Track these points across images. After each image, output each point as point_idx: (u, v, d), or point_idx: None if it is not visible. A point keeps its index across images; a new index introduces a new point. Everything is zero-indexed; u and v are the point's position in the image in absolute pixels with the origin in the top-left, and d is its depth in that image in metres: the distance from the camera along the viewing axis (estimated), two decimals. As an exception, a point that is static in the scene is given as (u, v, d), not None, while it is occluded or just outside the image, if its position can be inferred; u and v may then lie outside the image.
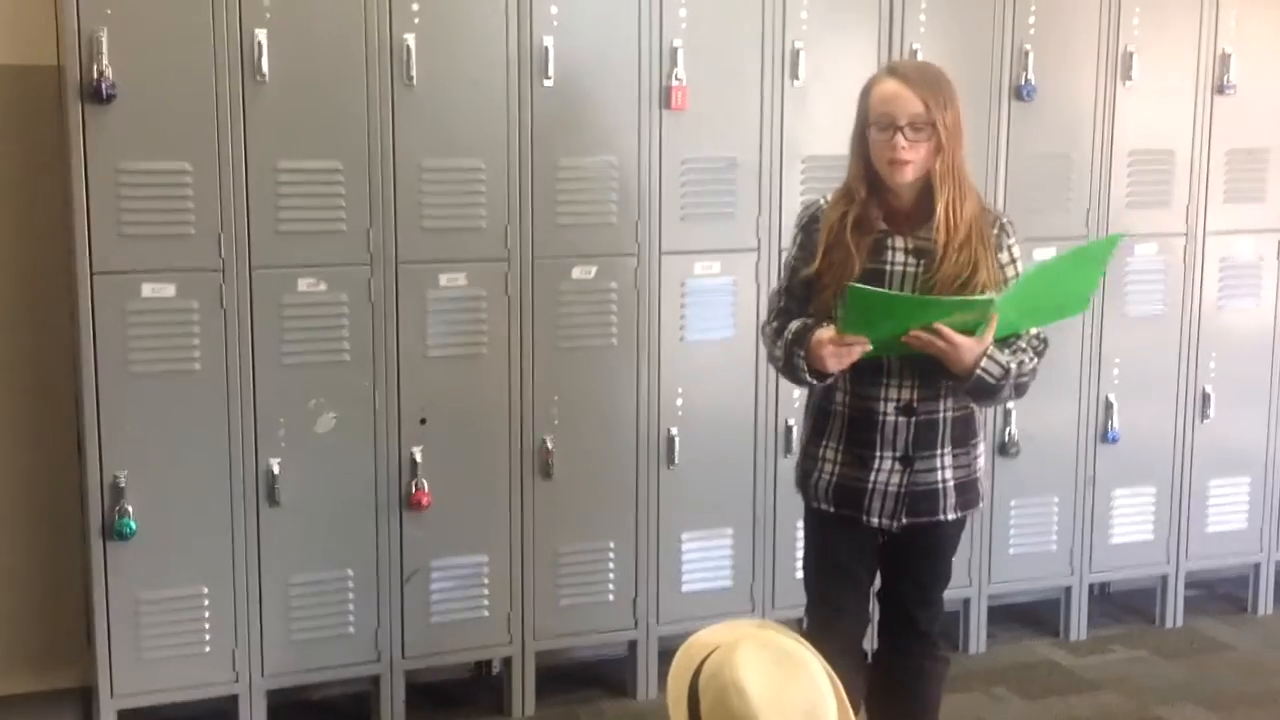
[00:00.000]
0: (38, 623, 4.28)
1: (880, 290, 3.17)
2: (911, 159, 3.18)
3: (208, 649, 3.97)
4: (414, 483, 4.07)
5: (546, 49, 4.04)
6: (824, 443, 3.39)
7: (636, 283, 4.25)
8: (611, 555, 4.35)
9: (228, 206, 3.81)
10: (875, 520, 3.35)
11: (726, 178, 4.31)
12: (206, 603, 3.95)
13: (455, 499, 4.13)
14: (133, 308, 3.77)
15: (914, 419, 3.30)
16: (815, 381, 3.27)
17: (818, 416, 3.42)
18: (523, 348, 4.15)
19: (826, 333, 3.16)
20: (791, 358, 3.26)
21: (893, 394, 3.29)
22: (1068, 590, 4.97)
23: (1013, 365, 3.22)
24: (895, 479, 3.32)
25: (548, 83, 4.06)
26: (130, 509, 3.82)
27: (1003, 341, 3.22)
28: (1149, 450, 4.97)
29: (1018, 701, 4.51)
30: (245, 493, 3.93)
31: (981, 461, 3.44)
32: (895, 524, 3.35)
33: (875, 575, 3.52)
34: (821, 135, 4.37)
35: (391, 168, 3.95)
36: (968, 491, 3.39)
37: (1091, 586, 5.06)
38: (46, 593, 4.28)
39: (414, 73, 3.91)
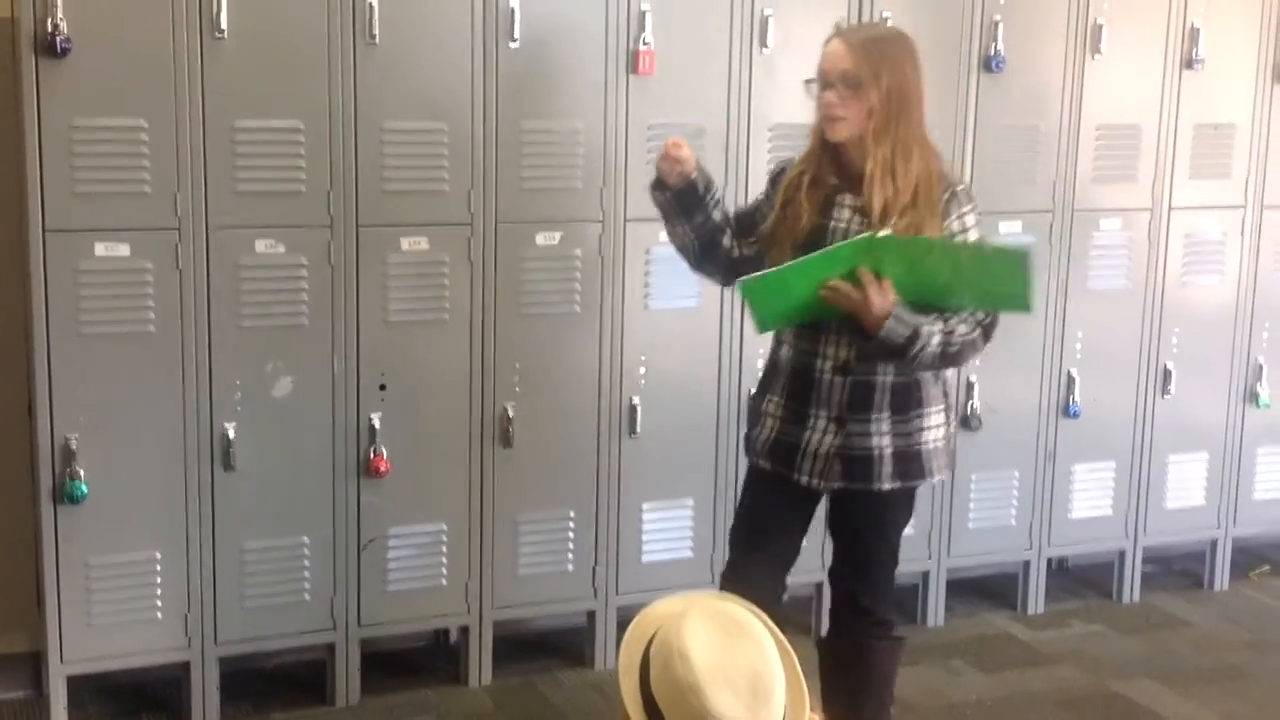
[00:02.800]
0: (-14, 586, 4.22)
1: (759, 273, 3.23)
2: (842, 115, 3.21)
3: (159, 615, 3.91)
4: (372, 449, 4.02)
5: (513, 10, 3.98)
6: (767, 397, 3.44)
7: (600, 249, 4.20)
8: (571, 525, 4.32)
9: (184, 165, 3.74)
10: (805, 479, 3.36)
11: (694, 145, 4.20)
12: (159, 568, 3.89)
13: (414, 466, 4.08)
14: (85, 267, 3.69)
15: (849, 379, 3.28)
16: (659, 194, 3.43)
17: (766, 370, 3.47)
18: (484, 314, 4.10)
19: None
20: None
21: (830, 351, 3.30)
22: (1026, 564, 4.98)
23: (927, 329, 3.17)
24: (828, 439, 3.32)
25: (514, 44, 4.00)
26: (81, 472, 3.75)
27: (939, 313, 3.20)
28: (1109, 425, 4.98)
29: (975, 674, 4.52)
30: (199, 457, 3.87)
31: (933, 434, 3.38)
32: (824, 485, 3.36)
33: (802, 535, 3.52)
34: (789, 103, 4.31)
35: (353, 128, 3.89)
36: (908, 462, 3.34)
37: (1050, 561, 5.07)
38: (-5, 556, 4.21)
39: (377, 32, 3.84)
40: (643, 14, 4.12)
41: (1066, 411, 4.89)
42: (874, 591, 3.48)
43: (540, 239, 4.12)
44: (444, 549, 4.18)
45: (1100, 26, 4.67)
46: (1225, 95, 4.93)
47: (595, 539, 4.35)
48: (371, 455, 4.02)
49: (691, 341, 4.36)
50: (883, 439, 3.31)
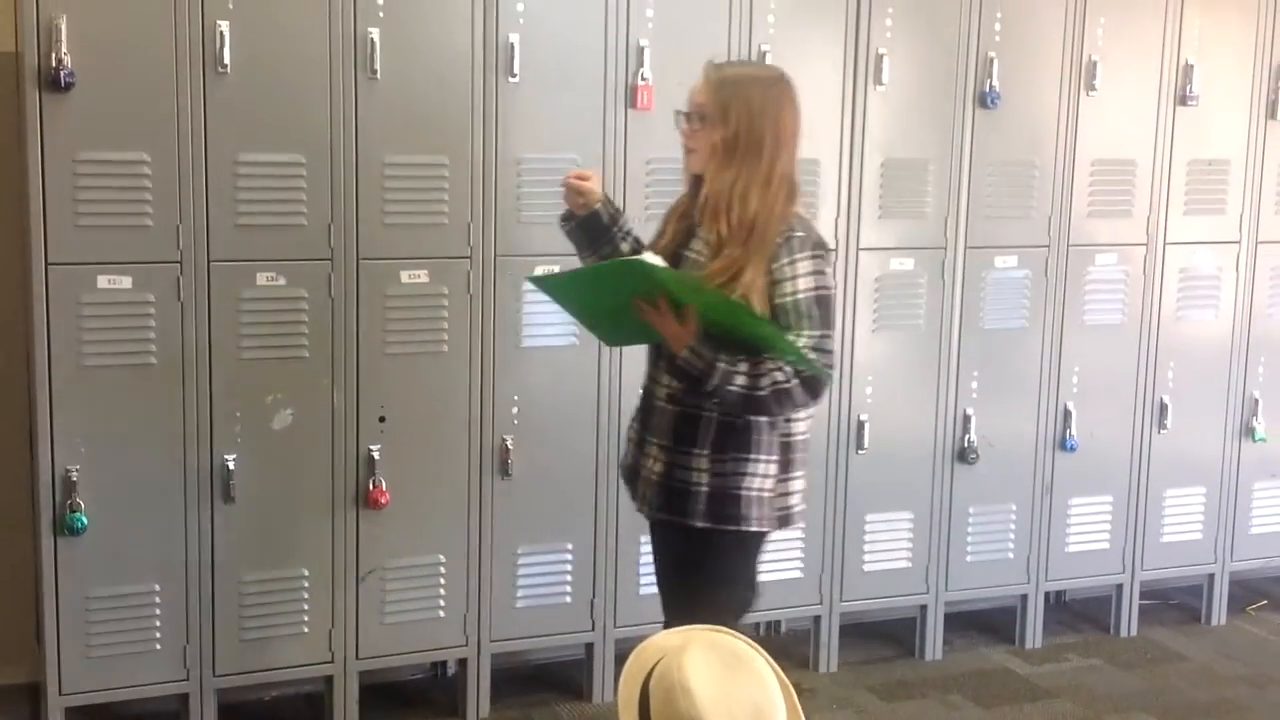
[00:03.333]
0: (-15, 618, 4.22)
1: (553, 274, 3.40)
2: (693, 147, 3.25)
3: (158, 646, 3.91)
4: (371, 481, 4.03)
5: (512, 45, 4.01)
6: (631, 423, 3.48)
7: (599, 283, 4.22)
8: (569, 557, 4.32)
9: (186, 199, 3.76)
10: (639, 507, 3.38)
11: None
12: (158, 600, 3.89)
13: (413, 498, 4.09)
14: (88, 299, 3.72)
15: (678, 409, 3.26)
16: (565, 224, 3.46)
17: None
18: (484, 346, 4.12)
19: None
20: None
21: (664, 379, 3.29)
22: (1024, 598, 4.99)
23: (724, 367, 3.10)
24: (657, 467, 3.30)
25: (513, 79, 4.03)
26: (82, 503, 3.76)
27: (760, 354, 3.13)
28: (1106, 459, 4.99)
29: (973, 709, 4.52)
30: (199, 489, 3.88)
31: (757, 482, 3.25)
32: (652, 514, 3.36)
33: None
34: (787, 138, 4.37)
35: (354, 163, 3.91)
36: (723, 505, 3.23)
37: (1048, 595, 5.07)
38: (-6, 588, 4.22)
39: (378, 67, 3.88)
40: (641, 49, 4.16)
41: (1064, 445, 4.90)
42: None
43: (539, 271, 4.13)
44: (442, 581, 4.18)
45: (1095, 63, 4.71)
46: (1219, 131, 4.97)
47: (593, 571, 4.35)
48: (371, 487, 4.03)
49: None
50: (701, 475, 3.24)
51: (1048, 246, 4.77)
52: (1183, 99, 4.86)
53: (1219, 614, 5.29)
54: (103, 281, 3.72)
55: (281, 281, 3.89)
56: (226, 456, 3.88)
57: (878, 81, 4.45)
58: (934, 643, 4.86)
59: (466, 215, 4.05)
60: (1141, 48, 4.80)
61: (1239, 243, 5.07)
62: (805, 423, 3.34)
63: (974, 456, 4.75)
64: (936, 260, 4.63)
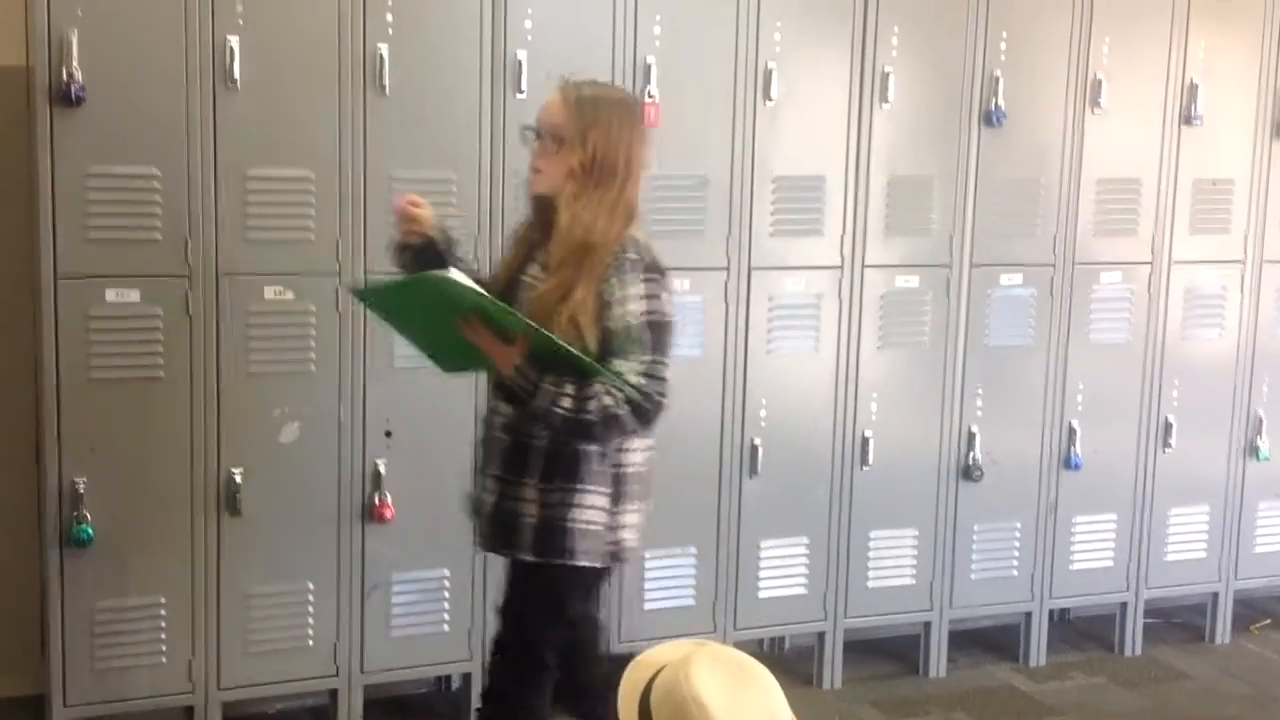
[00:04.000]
0: (-9, 630, 4.23)
1: (373, 285, 3.35)
2: (542, 169, 3.15)
3: (164, 659, 3.92)
4: (377, 495, 4.04)
5: (520, 62, 4.03)
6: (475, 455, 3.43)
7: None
8: (574, 572, 4.32)
9: (195, 213, 3.78)
10: (476, 541, 3.33)
11: (697, 195, 4.31)
12: (163, 612, 3.90)
13: (418, 512, 4.10)
14: (96, 313, 3.73)
15: (511, 438, 3.19)
16: (401, 255, 3.29)
17: None
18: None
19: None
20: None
21: (502, 407, 3.20)
22: (1028, 616, 4.98)
23: (549, 388, 3.02)
24: (491, 499, 3.24)
25: (521, 96, 4.05)
26: (88, 515, 3.77)
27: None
28: (1111, 477, 4.99)
29: (977, 726, 4.53)
30: (206, 501, 3.89)
31: (586, 514, 3.16)
32: (486, 547, 3.32)
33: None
34: (793, 155, 4.39)
35: (362, 178, 3.93)
36: (551, 537, 3.15)
37: (1052, 612, 5.07)
38: (2, 599, 4.22)
39: (387, 82, 3.90)
40: (648, 66, 4.18)
41: (1068, 463, 4.90)
42: (499, 666, 3.34)
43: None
44: (447, 595, 4.19)
45: (1100, 81, 4.73)
46: (1224, 151, 4.98)
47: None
48: (376, 501, 4.04)
49: (695, 389, 4.33)
50: (529, 505, 3.16)
51: (1053, 265, 4.78)
52: (1188, 118, 4.87)
53: (1223, 633, 5.28)
54: (111, 295, 3.74)
55: (289, 295, 3.90)
56: (233, 469, 3.89)
57: (883, 99, 4.47)
58: (938, 660, 4.86)
59: (475, 228, 4.06)
60: (1146, 67, 4.81)
61: (1243, 262, 5.08)
62: (641, 454, 3.25)
63: (978, 474, 4.75)
64: (941, 278, 4.64)
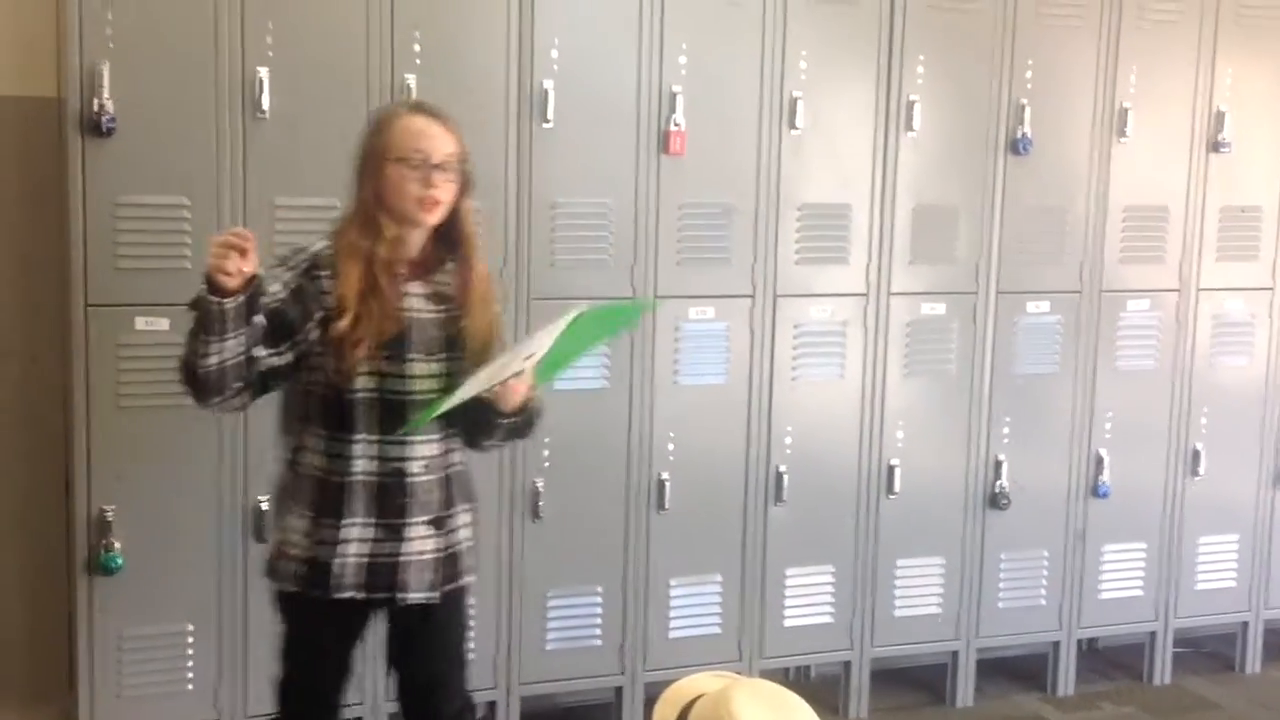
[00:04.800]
0: (21, 657, 4.24)
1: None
2: (445, 200, 3.05)
3: (190, 687, 3.93)
4: (403, 523, 4.04)
5: (547, 91, 4.05)
6: (340, 522, 3.09)
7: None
8: (599, 600, 4.33)
9: (224, 242, 3.80)
10: (400, 600, 3.16)
11: (722, 223, 4.33)
12: (191, 640, 3.92)
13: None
14: (126, 341, 3.76)
15: (443, 474, 3.18)
16: (208, 297, 2.81)
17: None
18: (516, 389, 4.13)
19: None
20: (197, 305, 2.85)
21: (419, 450, 3.11)
22: (1056, 645, 4.96)
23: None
24: (430, 544, 3.15)
25: (547, 125, 4.07)
26: (117, 544, 3.79)
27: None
28: (1139, 505, 4.97)
29: (1005, 756, 4.50)
30: (233, 529, 3.90)
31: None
32: (437, 593, 3.18)
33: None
34: (818, 183, 4.40)
35: (389, 206, 3.95)
36: (468, 558, 3.23)
37: (1080, 642, 5.04)
38: (31, 627, 4.24)
39: (414, 112, 3.92)
40: (674, 95, 4.19)
41: (1096, 491, 4.88)
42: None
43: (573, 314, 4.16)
44: (472, 623, 4.18)
45: (1126, 110, 4.72)
46: (1252, 178, 4.97)
47: (623, 614, 4.35)
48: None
49: (720, 417, 4.39)
50: (469, 530, 3.24)
51: (1079, 292, 4.77)
52: (1215, 146, 4.86)
53: (1253, 662, 5.24)
54: (140, 323, 3.76)
55: (316, 324, 3.92)
56: (259, 498, 3.90)
57: (909, 128, 4.48)
58: (965, 689, 4.83)
59: (500, 258, 4.07)
60: (1173, 95, 4.81)
61: (1272, 289, 5.05)
62: None
63: (1006, 502, 4.73)
64: (968, 305, 4.64)
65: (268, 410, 3.83)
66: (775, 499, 4.46)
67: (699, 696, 2.15)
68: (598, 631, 4.34)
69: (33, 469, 4.18)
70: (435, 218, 3.07)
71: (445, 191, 3.05)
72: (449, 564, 3.17)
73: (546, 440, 4.18)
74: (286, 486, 3.14)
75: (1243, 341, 5.04)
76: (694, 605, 4.44)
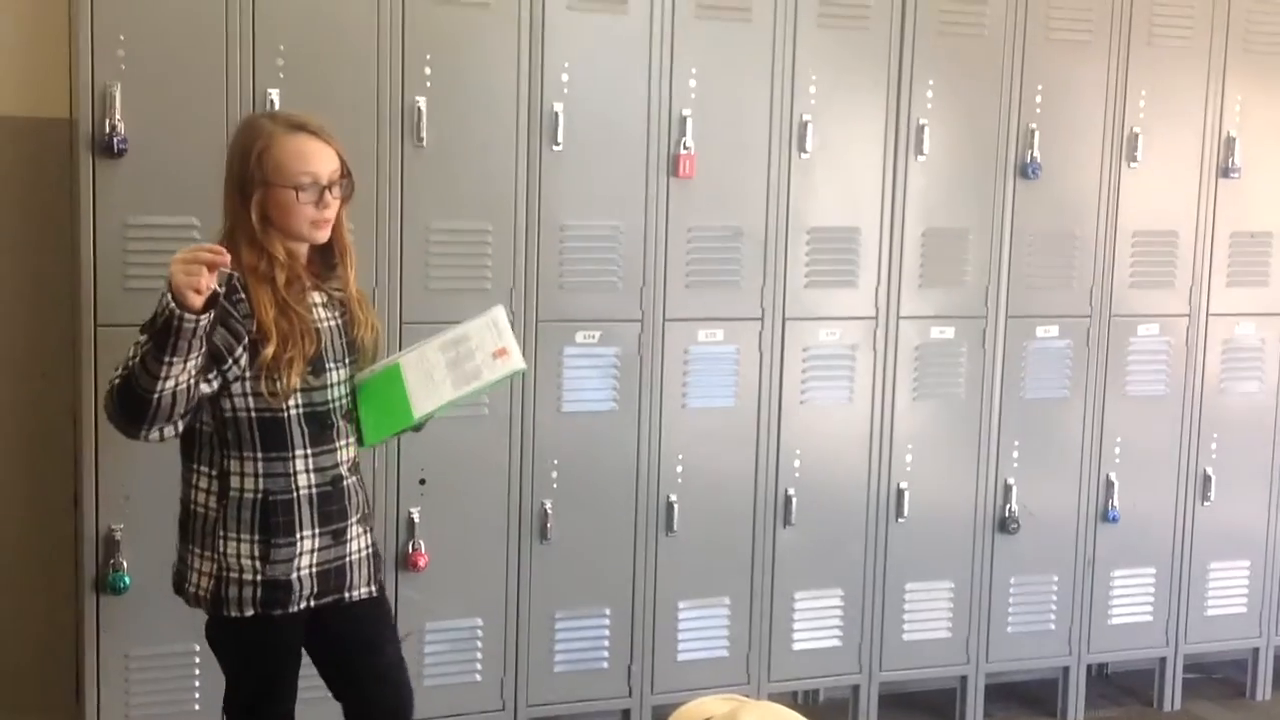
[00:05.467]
0: (29, 675, 4.24)
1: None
2: (330, 216, 3.08)
3: (197, 707, 3.93)
4: (411, 543, 4.05)
5: (557, 114, 4.07)
6: (301, 534, 3.13)
7: (640, 348, 4.25)
8: (607, 622, 4.32)
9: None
10: (347, 598, 3.25)
11: (732, 246, 4.33)
12: (197, 660, 3.91)
13: (452, 561, 4.11)
14: (135, 361, 3.76)
15: (357, 477, 3.29)
16: (182, 314, 2.75)
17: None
18: (524, 410, 4.14)
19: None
20: (154, 319, 2.81)
21: (348, 454, 3.22)
22: (1066, 670, 4.94)
23: None
24: (364, 540, 3.27)
25: (557, 148, 4.08)
26: (124, 563, 3.80)
27: None
28: (1149, 531, 4.95)
29: (1013, 782, 4.48)
30: (241, 549, 3.90)
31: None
32: (369, 590, 3.29)
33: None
34: (827, 206, 4.41)
35: (399, 228, 3.96)
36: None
37: (1090, 667, 5.02)
38: (38, 646, 4.24)
39: (424, 134, 3.94)
40: (684, 118, 4.21)
41: (1106, 516, 4.87)
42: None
43: (580, 337, 4.17)
44: (479, 644, 4.19)
45: (1136, 135, 4.72)
46: (1262, 203, 4.95)
47: (631, 636, 4.35)
48: (410, 550, 4.05)
49: (729, 440, 4.39)
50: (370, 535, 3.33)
51: (1089, 316, 4.76)
52: (1225, 171, 4.86)
53: (1264, 689, 5.21)
54: (150, 344, 3.77)
55: (325, 345, 3.93)
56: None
57: (919, 152, 4.48)
58: (974, 714, 4.81)
59: (509, 280, 4.08)
60: (1183, 120, 4.80)
61: (1283, 315, 5.05)
62: None
63: (1015, 526, 4.72)
64: (977, 329, 4.63)
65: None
66: (784, 522, 4.46)
67: (707, 719, 2.15)
68: (605, 653, 4.33)
69: (41, 488, 4.19)
70: (326, 235, 3.11)
71: (334, 209, 3.08)
72: (375, 559, 3.27)
73: (555, 462, 4.19)
74: (210, 516, 3.08)
75: (1253, 367, 5.03)
76: (702, 628, 4.44)
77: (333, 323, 3.16)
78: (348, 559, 3.17)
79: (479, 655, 4.19)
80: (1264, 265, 4.99)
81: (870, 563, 4.60)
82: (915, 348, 4.57)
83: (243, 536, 3.06)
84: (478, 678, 4.20)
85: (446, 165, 3.99)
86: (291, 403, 3.05)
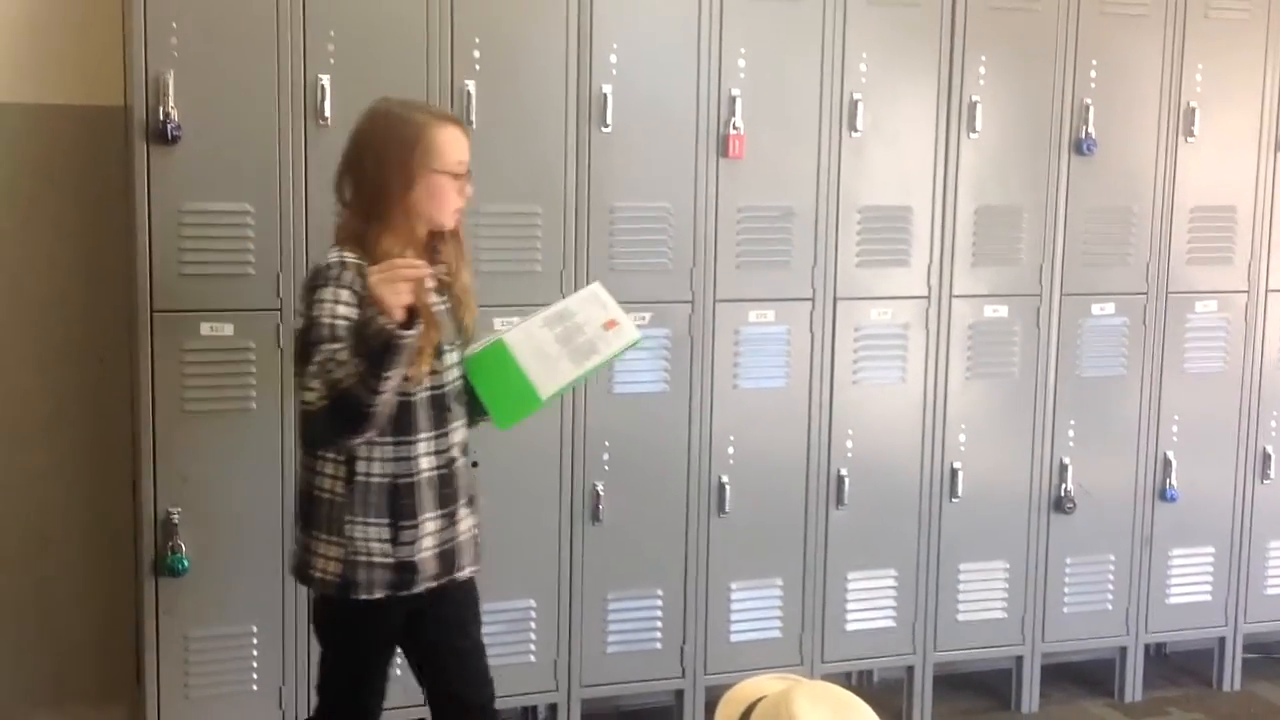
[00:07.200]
0: (90, 657, 4.32)
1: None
2: (462, 204, 3.17)
3: (255, 688, 3.98)
4: (465, 526, 4.07)
5: (605, 96, 4.06)
6: (418, 521, 3.15)
7: (690, 329, 4.25)
8: (659, 603, 4.33)
9: (287, 247, 3.85)
10: (460, 577, 3.30)
11: (782, 226, 4.32)
12: (255, 641, 3.96)
13: (504, 543, 4.10)
14: (190, 346, 3.81)
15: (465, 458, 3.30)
16: (401, 334, 2.83)
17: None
18: (574, 393, 4.14)
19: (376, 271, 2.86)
20: (366, 339, 2.86)
21: (458, 436, 3.26)
22: (1123, 650, 4.90)
23: None
24: (471, 520, 3.31)
25: (606, 129, 4.08)
26: (183, 546, 3.84)
27: None
28: (1208, 509, 4.90)
29: (1070, 762, 4.45)
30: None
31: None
32: (473, 570, 3.35)
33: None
34: (879, 185, 4.39)
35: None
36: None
37: (1148, 647, 4.98)
38: (99, 628, 4.31)
39: (474, 117, 3.94)
40: (733, 98, 4.19)
41: (1163, 495, 4.82)
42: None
43: (631, 319, 4.16)
44: (533, 625, 4.21)
45: (1193, 109, 4.66)
46: (1323, 177, 4.89)
47: (684, 617, 4.35)
48: (464, 532, 4.07)
49: (780, 420, 4.38)
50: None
51: (1145, 293, 4.71)
52: (1283, 145, 4.80)
53: (1326, 668, 5.17)
54: (205, 329, 3.81)
55: (378, 328, 3.95)
56: (323, 500, 3.94)
57: (971, 129, 4.45)
58: (1030, 695, 4.79)
59: (559, 263, 4.09)
60: (1241, 94, 4.74)
61: (1344, 289, 4.98)
62: None
63: (1071, 506, 4.69)
64: (1031, 307, 4.60)
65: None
66: (836, 502, 4.45)
67: (761, 698, 2.15)
68: (658, 634, 4.34)
69: (100, 472, 4.25)
70: (455, 221, 3.18)
71: (465, 197, 3.16)
72: (478, 541, 3.31)
73: (606, 444, 4.20)
74: (338, 502, 3.10)
75: (1314, 343, 4.97)
76: (755, 609, 4.44)
77: (443, 306, 3.19)
78: (458, 540, 3.22)
79: (533, 636, 4.22)
80: (1325, 240, 4.92)
81: (924, 543, 4.58)
82: (968, 326, 4.54)
83: (370, 520, 3.09)
84: (532, 659, 4.22)
85: (496, 148, 4.00)
86: (417, 387, 3.09)
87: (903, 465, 4.54)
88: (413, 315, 2.87)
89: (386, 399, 2.90)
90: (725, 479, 4.32)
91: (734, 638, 4.41)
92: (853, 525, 4.49)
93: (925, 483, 4.55)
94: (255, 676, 3.97)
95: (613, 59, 4.08)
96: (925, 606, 4.61)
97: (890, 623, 4.58)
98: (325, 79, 3.82)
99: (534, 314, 3.27)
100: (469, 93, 3.94)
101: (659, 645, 4.34)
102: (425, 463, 3.12)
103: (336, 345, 2.91)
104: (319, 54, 3.82)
